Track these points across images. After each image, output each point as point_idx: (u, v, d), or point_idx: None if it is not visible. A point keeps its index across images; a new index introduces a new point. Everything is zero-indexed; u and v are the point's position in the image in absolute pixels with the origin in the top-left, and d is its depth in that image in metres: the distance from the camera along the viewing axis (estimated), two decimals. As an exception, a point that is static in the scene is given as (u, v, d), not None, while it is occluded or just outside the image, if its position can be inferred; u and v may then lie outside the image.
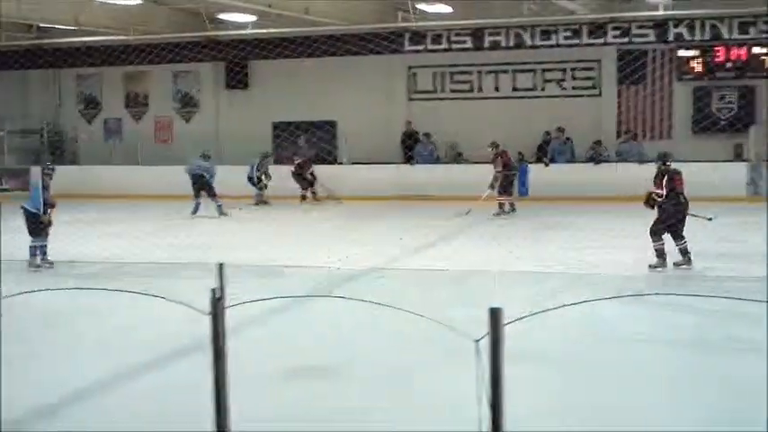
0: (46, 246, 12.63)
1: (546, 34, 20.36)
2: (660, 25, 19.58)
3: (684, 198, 11.63)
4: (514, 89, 23.24)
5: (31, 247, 12.60)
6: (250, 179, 21.11)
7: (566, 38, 20.32)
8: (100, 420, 6.35)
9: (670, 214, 11.49)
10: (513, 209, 18.44)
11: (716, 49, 20.84)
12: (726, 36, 19.47)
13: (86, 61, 24.39)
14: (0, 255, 11.61)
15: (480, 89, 23.50)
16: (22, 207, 12.70)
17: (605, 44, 20.54)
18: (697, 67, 21.22)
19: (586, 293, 9.46)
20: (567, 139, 21.84)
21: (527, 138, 21.77)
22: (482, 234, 15.79)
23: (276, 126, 24.51)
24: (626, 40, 20.15)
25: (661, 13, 18.95)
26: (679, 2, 18.60)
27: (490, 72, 23.32)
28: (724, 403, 6.42)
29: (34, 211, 12.50)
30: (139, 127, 26.31)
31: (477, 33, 20.79)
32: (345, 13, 20.30)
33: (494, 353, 3.60)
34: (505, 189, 18.36)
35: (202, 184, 19.34)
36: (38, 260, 12.57)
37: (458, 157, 23.06)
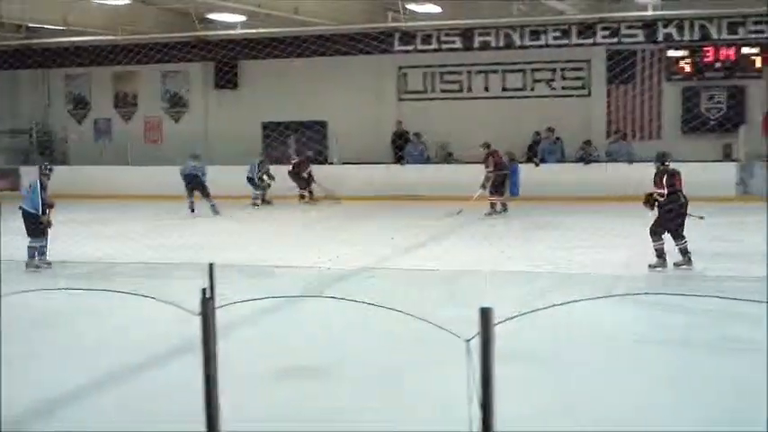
0: (45, 246, 12.59)
1: (535, 34, 20.40)
2: (649, 25, 19.64)
3: (684, 197, 11.63)
4: (504, 89, 23.26)
5: (29, 247, 12.55)
6: (251, 180, 21.03)
7: (555, 38, 20.37)
8: (91, 420, 6.34)
9: (670, 214, 11.48)
10: (504, 209, 18.45)
11: (705, 49, 20.88)
12: (715, 36, 19.54)
13: (75, 61, 24.34)
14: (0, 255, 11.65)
15: (470, 89, 23.51)
16: (21, 208, 12.65)
17: (594, 44, 20.59)
18: (686, 67, 21.28)
19: (576, 293, 9.47)
20: (557, 139, 21.86)
21: (517, 138, 21.77)
22: (473, 234, 15.81)
23: (266, 126, 24.46)
24: (615, 40, 20.21)
25: (650, 13, 18.99)
26: (668, 2, 18.64)
27: (480, 72, 23.33)
28: (718, 403, 6.43)
29: (33, 211, 12.46)
30: (129, 127, 26.24)
31: (466, 33, 20.82)
32: (335, 13, 20.28)
33: (484, 353, 3.60)
34: (497, 189, 18.37)
35: (196, 184, 19.37)
36: (36, 261, 12.53)
37: (448, 157, 23.06)
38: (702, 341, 8.05)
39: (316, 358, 7.74)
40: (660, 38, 19.88)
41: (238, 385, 6.39)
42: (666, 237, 11.62)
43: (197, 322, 4.27)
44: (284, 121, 23.97)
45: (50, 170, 12.96)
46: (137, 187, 22.68)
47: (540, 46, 20.64)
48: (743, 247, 12.96)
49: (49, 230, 12.60)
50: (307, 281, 11.27)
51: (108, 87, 26.49)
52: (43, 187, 12.55)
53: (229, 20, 20.74)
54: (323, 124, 24.31)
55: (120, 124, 26.48)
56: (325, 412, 6.36)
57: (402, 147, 22.98)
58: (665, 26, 19.54)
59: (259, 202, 20.89)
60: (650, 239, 11.62)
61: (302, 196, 21.33)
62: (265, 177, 21.05)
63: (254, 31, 21.10)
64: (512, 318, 3.93)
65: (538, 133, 22.21)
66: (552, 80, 22.92)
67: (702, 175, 17.61)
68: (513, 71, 23.10)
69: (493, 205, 18.33)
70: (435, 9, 19.92)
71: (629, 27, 19.84)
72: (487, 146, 18.45)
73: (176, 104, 26.01)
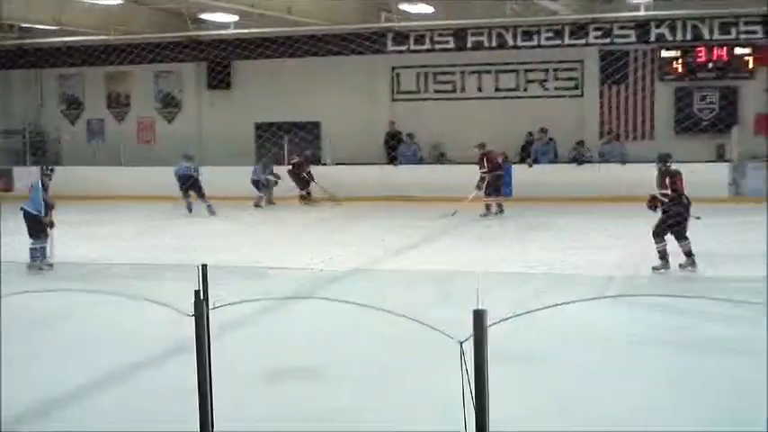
0: (46, 247, 12.56)
1: (528, 35, 20.39)
2: (642, 26, 19.66)
3: (686, 198, 11.60)
4: (497, 89, 23.26)
5: (31, 249, 12.53)
6: (255, 182, 20.98)
7: (548, 38, 20.36)
8: (87, 421, 6.33)
9: (673, 215, 11.45)
10: (500, 210, 18.41)
11: (697, 49, 20.94)
12: (707, 37, 19.55)
13: (67, 61, 24.27)
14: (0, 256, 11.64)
15: (463, 89, 23.51)
16: (22, 208, 12.63)
17: (587, 45, 20.59)
18: (679, 67, 21.33)
19: (569, 294, 9.48)
20: (550, 139, 21.87)
21: (510, 138, 21.77)
22: (466, 235, 15.82)
23: (259, 126, 24.45)
24: (608, 40, 20.21)
25: (642, 13, 19.00)
26: (660, 2, 18.66)
27: (473, 72, 23.33)
28: (715, 405, 6.44)
29: (35, 212, 12.43)
30: (122, 128, 26.17)
31: (459, 34, 20.81)
32: (328, 13, 20.25)
33: (478, 354, 3.61)
34: (493, 190, 18.34)
35: (191, 185, 19.38)
36: (38, 262, 12.50)
37: (441, 158, 23.06)
38: (697, 342, 8.06)
39: (309, 359, 7.74)
40: (653, 38, 19.89)
41: (232, 386, 6.39)
42: (668, 238, 11.59)
43: (191, 323, 4.27)
44: (277, 121, 23.94)
45: (52, 171, 12.97)
46: (130, 188, 22.64)
47: (533, 46, 20.64)
48: (738, 248, 12.96)
49: (51, 231, 12.55)
50: (299, 282, 11.26)
51: (101, 87, 26.43)
52: (45, 188, 12.55)
53: (222, 20, 20.70)
54: (316, 125, 24.29)
55: (113, 125, 26.41)
56: (319, 413, 6.36)
57: (395, 147, 22.98)
58: (658, 26, 19.56)
59: (263, 203, 20.85)
60: (653, 241, 11.56)
61: (302, 197, 21.30)
62: (271, 177, 21.03)
63: (246, 31, 21.08)
64: (505, 319, 3.94)
65: (531, 134, 22.22)
66: (545, 80, 22.94)
67: (692, 176, 17.67)
68: (506, 71, 23.11)
69: (488, 207, 18.31)
70: (428, 9, 19.90)
71: (622, 27, 19.85)
72: (482, 146, 18.43)
73: (169, 105, 25.97)
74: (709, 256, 11.87)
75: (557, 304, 4.41)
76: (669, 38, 19.77)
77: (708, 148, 20.91)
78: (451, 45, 21.07)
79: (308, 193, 21.33)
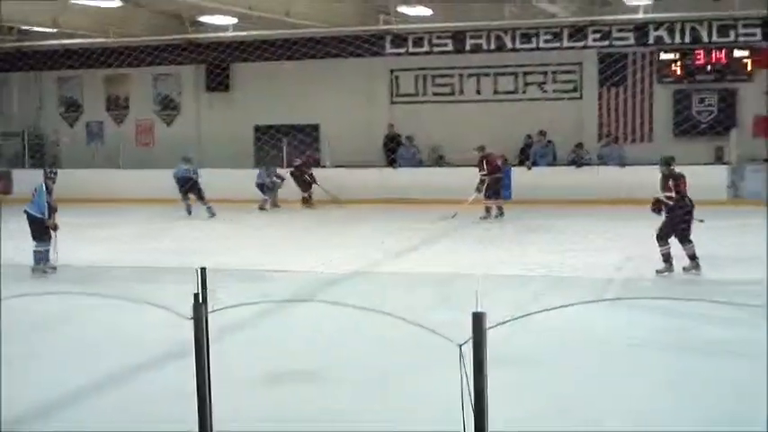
0: (49, 251, 12.56)
1: (527, 37, 20.43)
2: (640, 28, 19.70)
3: (690, 201, 11.58)
4: (496, 92, 23.26)
5: (35, 251, 12.51)
6: (260, 185, 20.98)
7: (546, 41, 20.40)
8: (79, 424, 6.33)
9: (677, 218, 11.44)
10: (501, 213, 18.38)
11: (696, 51, 20.96)
12: (706, 39, 19.59)
13: (66, 64, 24.28)
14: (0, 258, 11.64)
15: (462, 92, 23.51)
16: (26, 211, 12.62)
17: (586, 47, 20.63)
18: (677, 70, 21.35)
19: (568, 296, 9.49)
20: (549, 142, 21.87)
21: (509, 141, 21.78)
22: (465, 237, 15.82)
23: (258, 129, 24.45)
24: (606, 43, 20.26)
25: (641, 16, 19.02)
26: (659, 5, 18.67)
27: (472, 75, 23.33)
28: (715, 407, 6.44)
29: (39, 215, 12.43)
30: (121, 130, 26.17)
31: (458, 36, 20.85)
32: (326, 16, 20.26)
33: (477, 357, 3.60)
34: (492, 193, 18.33)
35: (190, 187, 19.39)
36: (42, 265, 12.49)
37: (439, 160, 23.07)
38: (696, 345, 8.05)
39: (309, 362, 7.74)
40: (651, 41, 19.94)
41: (232, 389, 6.39)
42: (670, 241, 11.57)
43: (191, 326, 4.27)
44: (276, 124, 23.93)
45: (55, 174, 12.95)
46: (129, 191, 22.62)
47: (532, 49, 20.68)
48: (738, 251, 12.94)
49: (54, 234, 12.54)
50: (299, 285, 11.26)
51: (100, 90, 26.43)
52: (48, 191, 12.54)
53: (220, 22, 20.71)
54: (315, 127, 24.29)
55: (112, 127, 26.41)
56: (319, 415, 6.36)
57: (394, 150, 22.99)
58: (656, 29, 19.61)
59: (268, 206, 20.83)
60: (656, 244, 11.52)
61: (304, 200, 21.28)
62: (277, 180, 21.02)
63: (245, 33, 21.09)
64: (504, 322, 3.93)
65: (529, 136, 22.23)
66: (544, 83, 22.94)
67: (690, 178, 17.67)
68: (504, 74, 23.12)
69: (488, 209, 18.30)
70: (426, 12, 19.93)
71: (621, 30, 19.90)
72: (482, 149, 18.40)
73: (168, 107, 25.97)
74: (710, 258, 11.85)
75: (556, 307, 4.41)
76: (668, 40, 19.82)
77: (706, 151, 20.92)
78: (450, 48, 21.11)
79: (310, 196, 21.30)
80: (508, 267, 12.36)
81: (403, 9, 19.81)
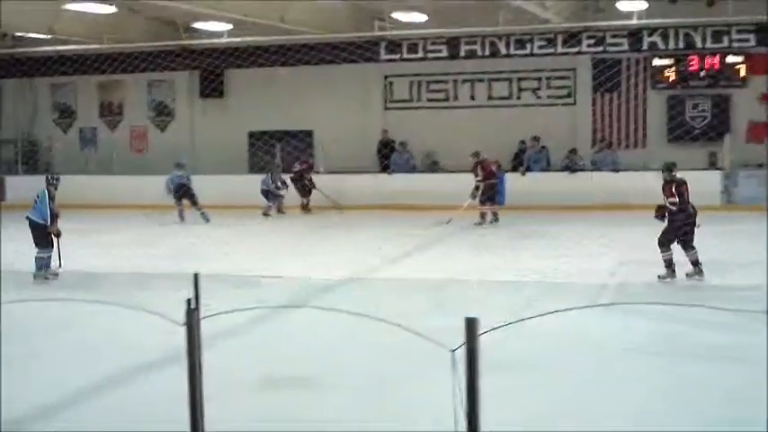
0: (51, 257, 12.52)
1: (521, 43, 20.46)
2: (634, 34, 19.73)
3: (693, 207, 11.57)
4: (490, 98, 23.29)
5: (37, 258, 12.45)
6: (265, 192, 20.92)
7: (541, 47, 20.43)
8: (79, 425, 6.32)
9: (680, 224, 11.41)
10: (496, 218, 18.38)
11: (690, 57, 21.01)
12: (699, 45, 19.63)
13: (60, 70, 24.26)
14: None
15: (456, 98, 23.55)
16: (28, 217, 12.59)
17: (580, 53, 20.66)
18: (671, 75, 21.39)
19: (562, 302, 9.49)
20: (543, 147, 21.89)
21: (503, 147, 21.79)
22: (459, 243, 15.82)
23: (252, 135, 24.44)
24: (600, 48, 20.29)
25: (635, 22, 19.05)
26: (653, 11, 18.71)
27: (466, 81, 23.37)
28: (711, 412, 6.44)
29: (41, 222, 12.39)
30: (115, 136, 26.15)
31: (452, 42, 20.87)
32: (321, 22, 20.27)
33: (469, 363, 3.59)
34: (487, 198, 18.33)
35: (184, 193, 19.38)
36: (44, 272, 12.46)
37: (433, 166, 23.09)
38: (691, 350, 8.04)
39: (302, 368, 7.72)
40: (645, 46, 19.97)
41: (227, 395, 6.38)
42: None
43: (183, 332, 4.26)
44: (270, 129, 23.94)
45: (57, 180, 12.91)
46: (123, 197, 22.56)
47: (526, 55, 20.70)
48: (734, 257, 12.92)
49: (57, 240, 12.51)
50: (293, 291, 11.24)
51: (93, 96, 26.41)
52: (51, 197, 12.51)
53: (215, 29, 20.73)
54: (309, 133, 24.29)
55: (105, 133, 26.38)
56: (314, 421, 6.34)
57: (388, 156, 22.98)
58: (650, 35, 19.63)
59: (273, 212, 20.77)
60: (658, 250, 11.48)
61: (303, 206, 21.24)
62: (281, 185, 20.98)
63: (239, 39, 21.10)
64: (497, 327, 3.93)
65: (523, 142, 22.25)
66: (538, 89, 22.98)
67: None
68: (498, 80, 23.15)
69: (483, 215, 18.30)
70: (421, 18, 19.95)
71: (614, 36, 19.92)
72: (477, 155, 18.40)
73: (162, 113, 25.95)
74: (709, 264, 11.84)
75: (550, 312, 4.41)
76: (661, 46, 19.85)
77: (700, 157, 20.94)
78: (444, 54, 21.13)
79: (308, 203, 21.27)
80: (502, 273, 12.35)
81: (397, 15, 19.82)
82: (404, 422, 6.28)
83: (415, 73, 23.26)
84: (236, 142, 24.19)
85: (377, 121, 23.80)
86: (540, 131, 21.79)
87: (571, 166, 21.20)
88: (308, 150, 23.86)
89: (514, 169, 21.61)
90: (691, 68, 21.15)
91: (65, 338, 9.06)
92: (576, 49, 20.32)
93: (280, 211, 20.99)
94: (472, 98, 23.39)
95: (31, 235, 12.49)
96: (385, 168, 22.75)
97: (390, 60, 21.57)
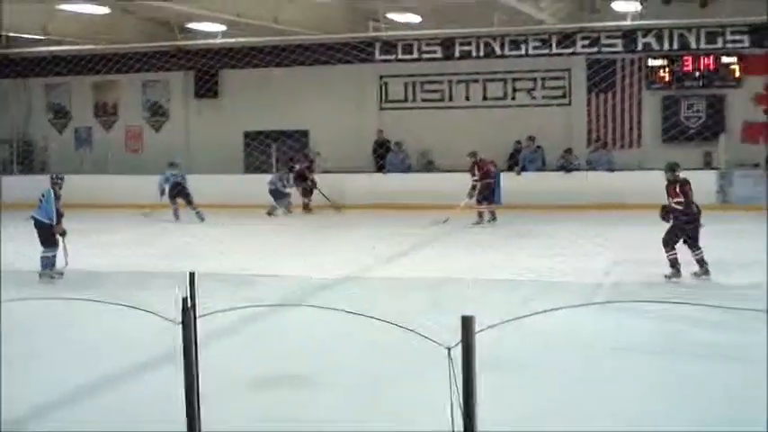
0: (56, 256, 12.51)
1: (516, 44, 20.49)
2: (629, 35, 19.77)
3: (697, 207, 11.57)
4: (485, 98, 23.31)
5: (42, 257, 12.45)
6: (273, 191, 20.88)
7: (535, 47, 20.47)
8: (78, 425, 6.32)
9: (684, 224, 11.42)
10: (493, 218, 18.38)
11: (684, 58, 21.04)
12: (694, 45, 19.67)
13: (54, 70, 24.24)
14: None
15: (451, 98, 23.56)
16: (33, 217, 12.58)
17: (574, 53, 20.70)
18: (666, 76, 21.42)
19: (557, 301, 9.51)
20: (538, 147, 21.91)
21: (498, 147, 21.80)
22: (455, 242, 15.82)
23: (247, 135, 24.44)
24: (595, 49, 20.34)
25: (629, 22, 19.09)
26: (647, 11, 18.74)
27: (461, 81, 23.38)
28: (708, 410, 6.45)
29: (47, 221, 12.39)
30: (110, 136, 26.13)
31: (447, 43, 20.89)
32: (316, 23, 20.27)
33: (466, 361, 3.60)
34: (484, 198, 18.34)
35: (179, 192, 19.37)
36: (49, 271, 12.44)
37: (428, 166, 23.10)
38: (686, 348, 8.05)
39: (298, 367, 7.72)
40: (639, 47, 20.01)
41: (222, 392, 6.38)
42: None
43: (179, 331, 4.26)
44: (265, 130, 23.94)
45: (62, 179, 12.91)
46: (118, 196, 22.52)
47: (521, 55, 20.74)
48: (732, 256, 12.93)
49: (62, 240, 12.49)
50: (289, 290, 11.24)
51: (88, 97, 26.38)
52: (56, 197, 12.51)
53: (209, 29, 20.71)
54: (304, 133, 24.29)
55: (100, 133, 26.36)
56: (310, 420, 6.35)
57: (383, 156, 22.99)
58: (645, 35, 19.67)
59: (279, 212, 20.72)
60: (663, 250, 11.48)
61: (305, 206, 21.22)
62: (288, 185, 20.95)
63: (234, 40, 21.10)
64: (493, 326, 3.93)
65: (519, 142, 22.26)
66: (533, 89, 22.99)
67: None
68: (493, 80, 23.17)
69: (480, 215, 18.31)
70: (416, 18, 19.96)
71: (609, 36, 19.97)
72: (474, 154, 18.40)
73: (157, 113, 25.94)
74: (709, 263, 11.86)
75: (545, 310, 4.41)
76: (656, 47, 19.90)
77: (695, 156, 20.94)
78: (439, 54, 21.16)
79: (309, 202, 21.24)
80: (498, 272, 12.36)
81: (392, 16, 19.83)
82: (400, 421, 6.29)
83: (410, 73, 23.27)
84: (231, 142, 24.18)
85: (372, 122, 23.80)
86: (535, 131, 21.82)
87: (566, 166, 21.23)
88: (303, 150, 23.81)
89: (510, 169, 21.62)
90: (685, 69, 21.18)
91: (64, 337, 9.06)
92: (570, 50, 20.36)
93: (288, 210, 20.91)
94: (467, 98, 23.41)
95: (34, 234, 12.52)
96: (380, 168, 22.75)
97: (385, 61, 21.59)
